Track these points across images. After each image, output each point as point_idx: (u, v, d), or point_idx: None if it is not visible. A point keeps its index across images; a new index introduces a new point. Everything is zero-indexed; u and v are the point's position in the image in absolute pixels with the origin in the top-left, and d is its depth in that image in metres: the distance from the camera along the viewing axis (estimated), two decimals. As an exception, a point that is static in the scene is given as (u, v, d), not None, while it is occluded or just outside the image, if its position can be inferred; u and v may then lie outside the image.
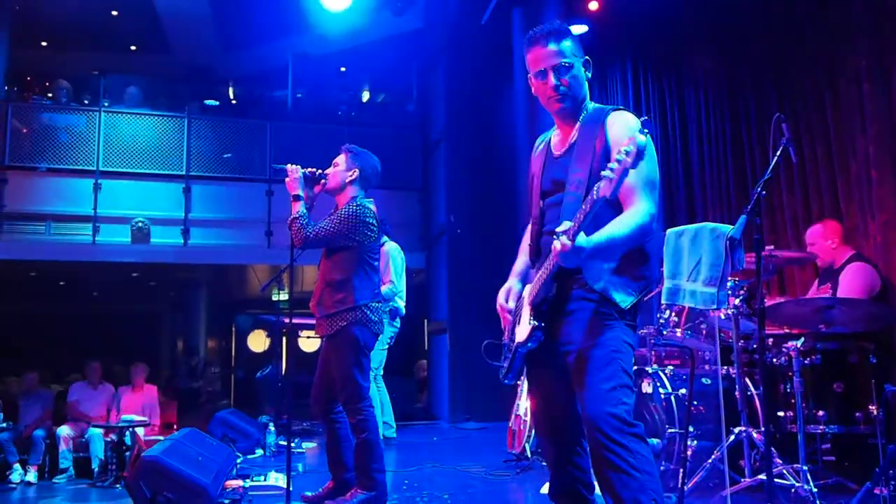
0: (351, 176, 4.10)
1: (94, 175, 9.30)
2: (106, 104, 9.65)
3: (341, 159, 4.16)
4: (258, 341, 14.11)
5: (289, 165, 4.05)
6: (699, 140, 7.14)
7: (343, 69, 11.98)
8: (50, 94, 10.60)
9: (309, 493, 4.19)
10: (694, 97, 7.23)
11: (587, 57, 2.47)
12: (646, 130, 1.97)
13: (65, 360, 9.97)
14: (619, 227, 2.19)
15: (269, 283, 6.91)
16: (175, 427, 9.14)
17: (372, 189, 4.26)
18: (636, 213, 2.21)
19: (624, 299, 2.29)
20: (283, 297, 13.78)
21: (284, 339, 14.26)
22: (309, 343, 15.35)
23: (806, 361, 4.04)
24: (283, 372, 12.66)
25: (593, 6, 7.12)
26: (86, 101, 9.80)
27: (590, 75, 2.46)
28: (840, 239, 4.87)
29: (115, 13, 10.41)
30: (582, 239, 2.05)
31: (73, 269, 10.22)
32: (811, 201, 5.86)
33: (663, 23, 7.26)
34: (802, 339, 3.95)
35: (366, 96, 11.60)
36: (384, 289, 6.19)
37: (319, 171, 4.13)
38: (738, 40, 6.64)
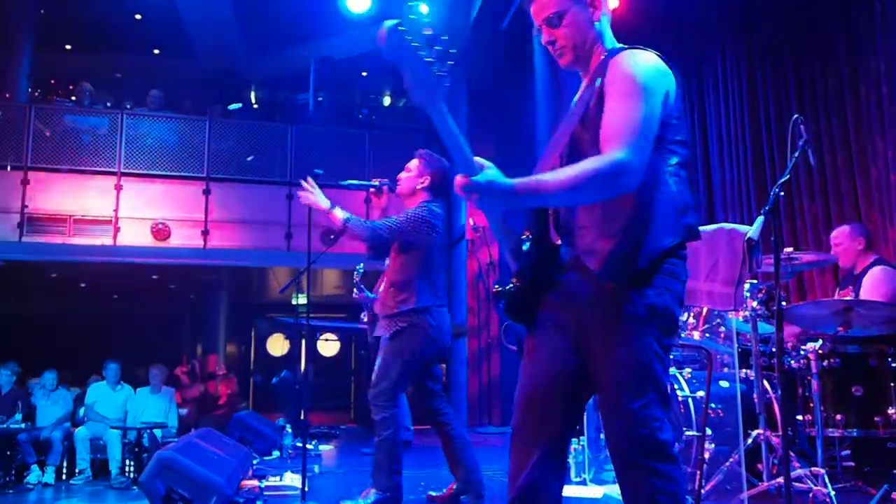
0: (422, 183, 4.11)
1: (115, 176, 9.40)
2: (128, 106, 9.76)
3: (414, 164, 4.18)
4: (278, 345, 14.19)
5: (304, 183, 4.05)
6: (719, 143, 7.10)
7: (364, 73, 12.03)
8: (73, 97, 10.73)
9: (433, 493, 4.20)
10: (714, 99, 7.20)
11: None
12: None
13: (83, 361, 10.06)
14: (554, 174, 1.90)
15: (289, 285, 6.98)
16: (193, 430, 9.21)
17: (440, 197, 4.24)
18: (593, 160, 1.87)
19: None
20: (303, 300, 13.87)
21: (304, 343, 14.33)
22: (328, 346, 15.43)
23: (825, 364, 4.00)
24: (302, 375, 12.72)
25: (613, 3, 7.08)
26: (108, 104, 9.92)
27: (600, 13, 2.13)
28: (866, 242, 4.81)
29: (138, 17, 10.53)
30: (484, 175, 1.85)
31: (93, 271, 10.32)
32: (831, 206, 5.82)
33: (685, 24, 7.24)
34: (821, 341, 3.90)
35: (387, 100, 11.64)
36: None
37: (383, 180, 4.23)
38: (759, 42, 6.62)
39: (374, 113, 11.42)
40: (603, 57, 2.08)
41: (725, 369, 4.61)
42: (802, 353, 4.06)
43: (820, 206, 5.90)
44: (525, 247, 2.09)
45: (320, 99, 10.12)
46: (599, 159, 1.85)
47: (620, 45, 2.13)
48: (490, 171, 1.88)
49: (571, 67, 2.17)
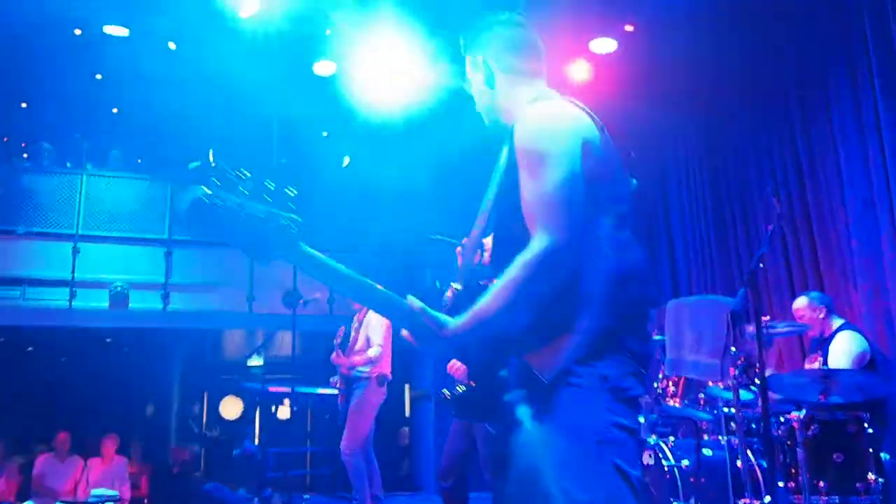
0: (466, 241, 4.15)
1: (73, 238, 9.17)
2: (89, 167, 9.60)
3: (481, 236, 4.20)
4: (231, 408, 13.78)
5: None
6: (681, 214, 7.28)
7: (325, 134, 12.05)
8: (25, 155, 10.50)
9: None
10: (675, 171, 7.42)
11: (479, 55, 2.00)
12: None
13: (31, 429, 9.64)
14: (487, 298, 1.69)
15: (257, 349, 6.84)
16: (146, 501, 8.84)
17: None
18: (517, 264, 1.67)
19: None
20: (259, 362, 13.57)
21: (258, 407, 13.97)
22: (283, 410, 15.03)
23: (808, 432, 4.08)
24: (258, 441, 12.38)
25: (580, 73, 7.29)
26: (68, 164, 9.73)
27: (489, 78, 1.98)
28: (827, 309, 4.97)
29: (98, 76, 10.43)
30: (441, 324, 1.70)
31: (43, 335, 9.96)
32: (793, 272, 5.99)
33: (644, 98, 7.49)
34: (804, 410, 3.98)
35: (345, 161, 11.68)
36: (372, 352, 6.10)
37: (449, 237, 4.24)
38: (718, 115, 6.86)
39: (337, 174, 11.43)
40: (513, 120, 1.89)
41: (705, 436, 4.66)
42: (783, 420, 4.14)
43: (782, 272, 6.08)
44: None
45: (283, 161, 10.11)
46: (525, 258, 1.66)
47: (532, 98, 1.92)
48: (427, 318, 1.71)
49: (496, 139, 2.00)
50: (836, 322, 4.93)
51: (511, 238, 1.81)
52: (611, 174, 1.80)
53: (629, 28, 6.98)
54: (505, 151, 1.92)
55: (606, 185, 1.78)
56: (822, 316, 4.88)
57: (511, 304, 1.67)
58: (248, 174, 1.67)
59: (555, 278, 1.66)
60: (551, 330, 1.72)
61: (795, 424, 3.90)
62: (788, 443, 4.18)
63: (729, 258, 6.60)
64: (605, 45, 7.10)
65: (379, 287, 1.75)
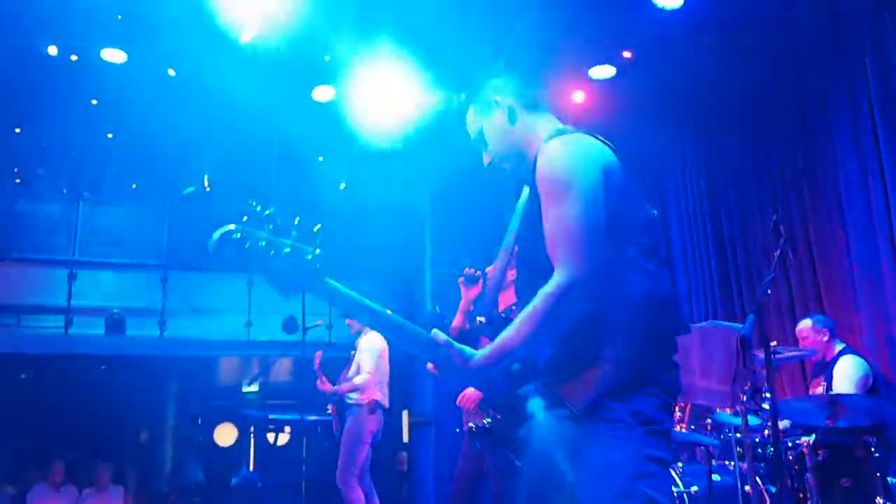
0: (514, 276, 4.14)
1: (69, 264, 9.12)
2: (85, 193, 9.56)
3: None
4: (226, 435, 13.64)
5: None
6: (681, 237, 7.31)
7: (321, 158, 12.07)
8: (18, 180, 10.45)
9: None
10: (675, 195, 7.46)
11: (496, 96, 2.02)
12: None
13: (23, 459, 9.50)
14: (512, 330, 1.73)
15: (258, 376, 6.81)
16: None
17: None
18: (542, 296, 1.70)
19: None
20: (254, 388, 13.46)
21: (253, 434, 13.84)
22: (281, 438, 14.88)
23: (818, 457, 4.08)
24: (252, 468, 12.27)
25: (579, 99, 7.36)
26: (64, 190, 9.69)
27: (506, 115, 2.01)
28: (830, 332, 5.00)
29: (94, 102, 10.43)
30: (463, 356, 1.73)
31: (38, 363, 9.87)
32: (794, 295, 6.03)
33: (645, 125, 7.55)
34: (814, 435, 3.99)
35: (342, 185, 11.68)
36: (357, 379, 6.08)
37: (478, 271, 4.12)
38: (719, 140, 6.92)
39: (334, 199, 11.42)
40: (536, 153, 1.91)
41: (713, 462, 4.66)
42: (791, 444, 4.14)
43: (783, 296, 6.11)
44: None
45: (282, 186, 10.09)
46: (548, 291, 1.70)
47: (557, 130, 1.96)
48: (453, 351, 1.75)
49: (515, 177, 2.06)
50: (838, 346, 4.96)
51: (535, 269, 1.85)
52: (632, 204, 1.83)
53: (627, 55, 7.06)
54: (527, 186, 1.98)
55: (629, 215, 1.82)
56: (825, 339, 4.91)
57: (534, 336, 1.71)
58: (274, 209, 1.70)
59: (577, 310, 1.70)
60: (577, 360, 1.75)
61: (805, 449, 3.90)
62: (796, 467, 4.18)
63: (729, 283, 6.62)
64: (603, 72, 7.17)
65: (404, 320, 1.78)
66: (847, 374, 4.70)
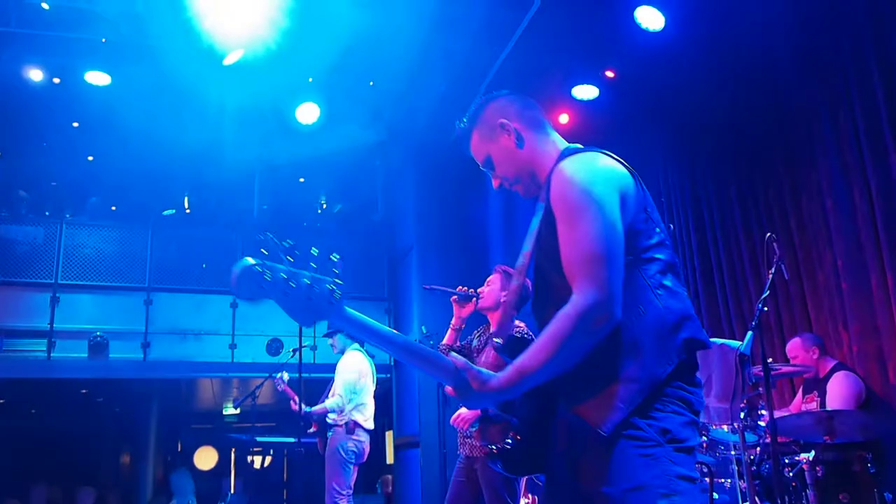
0: (505, 296, 4.19)
1: (51, 288, 8.98)
2: (67, 216, 9.44)
3: (495, 279, 4.28)
4: (206, 458, 13.48)
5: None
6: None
7: (302, 180, 12.06)
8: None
9: None
10: (658, 212, 7.51)
11: (501, 120, 2.03)
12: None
13: (3, 484, 9.29)
14: (531, 353, 1.72)
15: (245, 398, 6.76)
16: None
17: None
18: (562, 318, 1.70)
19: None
20: (235, 411, 13.31)
21: (233, 456, 13.70)
22: (258, 458, 14.74)
23: (818, 474, 4.11)
24: (233, 490, 12.11)
25: (563, 119, 7.43)
26: (46, 213, 9.57)
27: (514, 137, 2.01)
28: (820, 349, 5.06)
29: (75, 125, 10.35)
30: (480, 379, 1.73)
31: (18, 387, 9.69)
32: (781, 313, 6.06)
33: (627, 140, 7.62)
34: (813, 451, 4.02)
35: (335, 207, 11.67)
36: (329, 402, 6.06)
37: (472, 290, 4.24)
38: (702, 158, 6.99)
39: (318, 220, 11.41)
40: (548, 172, 1.92)
41: (706, 479, 4.67)
42: (787, 461, 4.17)
43: (771, 313, 6.14)
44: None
45: (265, 207, 10.07)
46: (566, 314, 1.69)
47: (567, 149, 1.99)
48: (471, 374, 1.75)
49: (528, 196, 2.07)
50: (830, 362, 5.02)
51: (550, 289, 1.87)
52: (648, 224, 1.84)
53: (610, 74, 7.14)
54: (541, 206, 1.97)
55: (646, 231, 1.83)
56: (815, 356, 4.97)
57: (554, 359, 1.70)
58: (293, 242, 1.73)
59: (597, 332, 1.69)
60: (600, 380, 1.74)
61: (805, 465, 3.93)
62: (793, 484, 4.21)
63: (716, 302, 6.66)
64: (586, 92, 7.25)
65: (420, 345, 1.79)
66: (841, 390, 4.75)
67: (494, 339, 2.04)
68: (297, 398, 6.17)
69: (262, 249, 1.68)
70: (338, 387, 6.15)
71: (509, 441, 1.99)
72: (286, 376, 6.55)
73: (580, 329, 1.67)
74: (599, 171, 1.83)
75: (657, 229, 1.86)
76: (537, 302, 1.97)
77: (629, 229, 1.78)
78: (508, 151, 2.02)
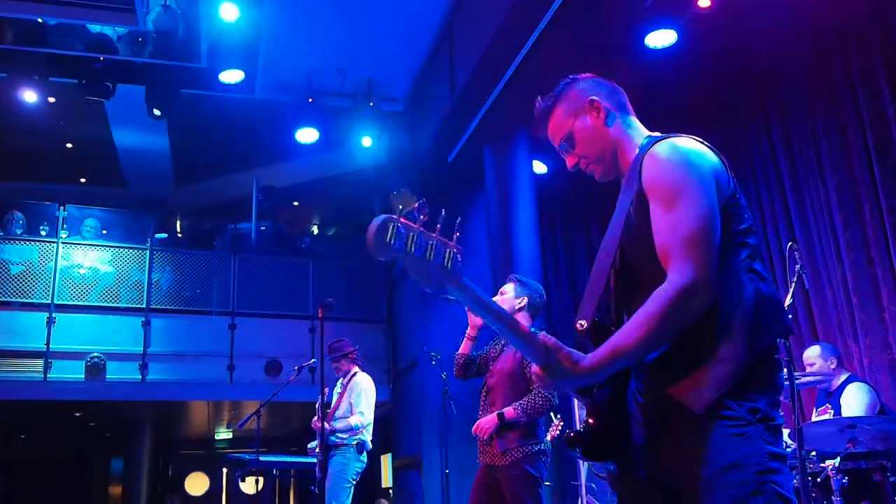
0: (520, 303, 4.18)
1: (48, 308, 8.86)
2: (64, 236, 9.35)
3: (509, 287, 4.26)
4: (198, 484, 13.23)
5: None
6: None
7: (296, 203, 12.06)
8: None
9: None
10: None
11: (592, 97, 2.01)
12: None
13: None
14: (626, 332, 1.73)
15: (248, 419, 6.67)
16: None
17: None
18: (657, 298, 1.71)
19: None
20: (226, 435, 13.13)
21: (225, 481, 13.48)
22: (249, 484, 14.46)
23: (842, 482, 4.11)
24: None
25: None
26: (42, 233, 9.46)
27: (604, 115, 2.00)
28: (837, 360, 5.07)
29: (69, 145, 10.30)
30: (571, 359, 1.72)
31: (12, 408, 9.50)
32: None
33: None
34: (838, 458, 4.02)
35: (331, 231, 11.66)
36: (354, 419, 5.98)
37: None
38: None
39: (316, 242, 11.39)
40: (636, 153, 1.93)
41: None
42: (810, 469, 4.16)
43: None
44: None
45: (263, 228, 10.02)
46: (664, 293, 1.70)
47: (652, 136, 1.98)
48: (562, 354, 1.74)
49: (604, 180, 2.06)
50: (844, 374, 5.02)
51: (637, 273, 1.88)
52: (739, 209, 1.84)
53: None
54: (624, 186, 1.95)
55: (737, 219, 1.82)
56: (833, 366, 4.97)
57: (649, 338, 1.70)
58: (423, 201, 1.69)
59: (692, 312, 1.70)
60: (692, 360, 1.74)
61: (831, 473, 3.92)
62: (814, 494, 4.19)
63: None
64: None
65: (521, 323, 1.77)
66: (857, 401, 4.75)
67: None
68: (320, 414, 6.08)
69: (399, 205, 1.63)
70: (361, 405, 6.07)
71: (584, 426, 1.96)
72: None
73: (677, 308, 1.68)
74: (696, 154, 1.83)
75: (745, 215, 1.86)
76: (621, 288, 1.96)
77: (722, 213, 1.79)
78: (595, 129, 2.01)
